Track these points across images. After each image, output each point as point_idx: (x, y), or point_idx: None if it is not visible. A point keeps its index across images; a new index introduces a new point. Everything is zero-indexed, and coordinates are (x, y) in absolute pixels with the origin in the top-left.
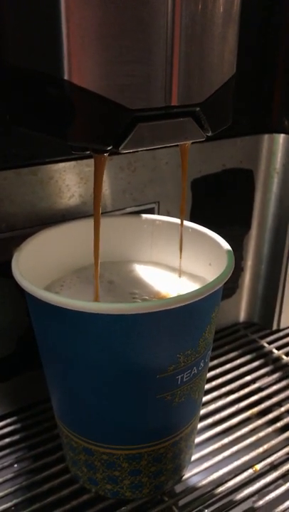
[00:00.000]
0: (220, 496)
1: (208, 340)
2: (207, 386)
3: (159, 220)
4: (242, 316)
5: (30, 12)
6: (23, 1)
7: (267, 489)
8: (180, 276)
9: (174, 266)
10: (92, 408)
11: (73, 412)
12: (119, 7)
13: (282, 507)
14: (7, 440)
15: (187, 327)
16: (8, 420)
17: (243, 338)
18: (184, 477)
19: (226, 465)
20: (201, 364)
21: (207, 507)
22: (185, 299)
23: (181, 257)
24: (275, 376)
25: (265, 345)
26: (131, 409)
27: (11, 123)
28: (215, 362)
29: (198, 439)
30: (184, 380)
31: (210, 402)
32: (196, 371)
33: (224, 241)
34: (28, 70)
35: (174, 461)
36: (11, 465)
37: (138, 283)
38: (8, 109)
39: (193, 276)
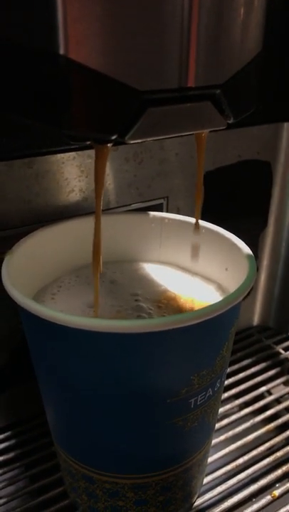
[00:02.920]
0: None
1: (225, 358)
2: None
3: (169, 219)
4: (256, 320)
5: None
6: None
7: None
8: (192, 276)
9: (185, 267)
10: (92, 434)
11: (72, 437)
12: None
13: None
14: (1, 458)
15: (203, 345)
16: (2, 436)
17: (257, 344)
18: (195, 504)
19: (241, 490)
20: (217, 384)
21: None
22: (202, 315)
23: (195, 260)
24: None
25: (281, 351)
26: (137, 436)
27: None
28: (227, 370)
29: (210, 459)
30: (198, 403)
31: (222, 416)
32: (211, 393)
33: (243, 244)
34: (16, 43)
35: (184, 488)
36: (4, 487)
37: (142, 283)
38: None
39: (206, 279)
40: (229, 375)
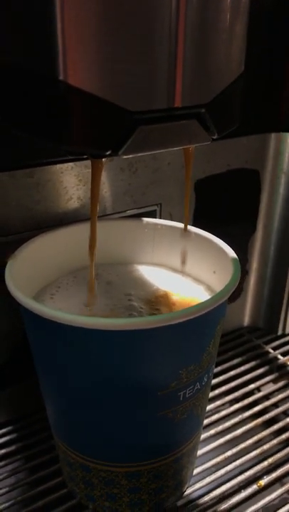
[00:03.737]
0: None
1: (212, 354)
2: (210, 394)
3: (161, 224)
4: (246, 321)
5: (22, 5)
6: None
7: (272, 505)
8: (183, 277)
9: (176, 269)
10: (89, 425)
11: (69, 429)
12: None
13: None
14: (2, 451)
15: (190, 342)
16: (4, 430)
17: (247, 344)
18: (185, 493)
19: (230, 480)
20: (205, 379)
21: None
22: (188, 314)
23: (185, 263)
24: (281, 384)
25: (270, 350)
26: (130, 427)
27: (1, 123)
28: (218, 368)
29: (200, 451)
30: (187, 396)
31: (212, 412)
32: (199, 386)
33: (230, 249)
34: (20, 68)
35: (175, 477)
36: (5, 478)
37: (136, 283)
38: None
39: (196, 280)
40: (220, 373)
